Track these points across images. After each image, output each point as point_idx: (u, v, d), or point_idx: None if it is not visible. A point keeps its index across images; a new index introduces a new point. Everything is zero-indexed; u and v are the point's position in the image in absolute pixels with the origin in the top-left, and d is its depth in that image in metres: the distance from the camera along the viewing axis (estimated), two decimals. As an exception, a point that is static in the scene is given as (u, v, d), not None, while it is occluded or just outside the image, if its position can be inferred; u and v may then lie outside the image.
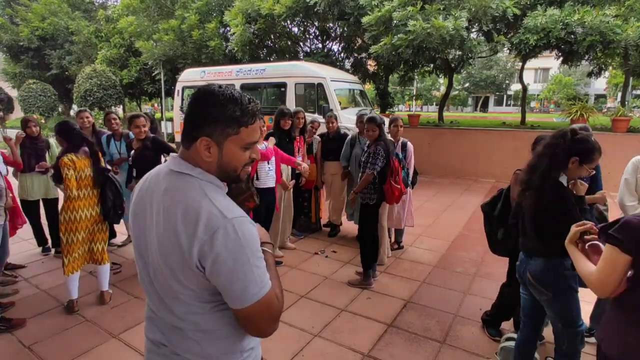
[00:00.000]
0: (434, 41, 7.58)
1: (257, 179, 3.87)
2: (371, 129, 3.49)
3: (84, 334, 2.92)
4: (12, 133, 4.71)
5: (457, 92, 35.18)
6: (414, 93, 29.82)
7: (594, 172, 2.68)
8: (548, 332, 2.69)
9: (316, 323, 3.08)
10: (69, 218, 3.12)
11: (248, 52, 10.95)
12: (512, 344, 2.45)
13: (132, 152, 3.77)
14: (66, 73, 19.01)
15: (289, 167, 4.38)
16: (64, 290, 3.37)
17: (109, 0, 23.81)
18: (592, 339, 2.77)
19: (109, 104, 15.46)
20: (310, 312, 3.27)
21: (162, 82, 14.48)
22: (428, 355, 2.71)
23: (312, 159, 5.02)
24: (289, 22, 11.18)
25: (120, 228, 4.80)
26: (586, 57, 9.17)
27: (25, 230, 4.24)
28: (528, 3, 8.29)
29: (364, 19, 8.49)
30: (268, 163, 3.89)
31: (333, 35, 12.17)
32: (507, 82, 35.36)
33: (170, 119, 13.29)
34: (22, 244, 4.69)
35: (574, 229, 1.53)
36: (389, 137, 3.97)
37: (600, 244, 1.43)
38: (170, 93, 15.47)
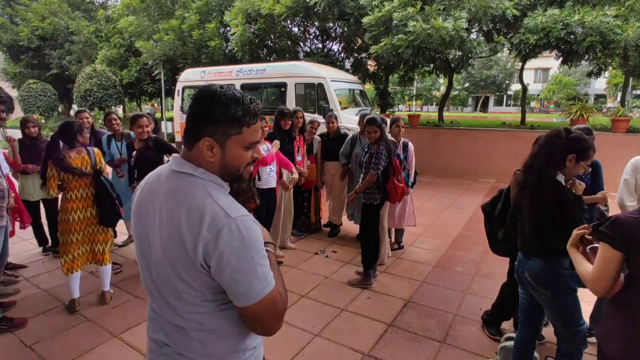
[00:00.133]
0: (434, 42, 7.59)
1: (259, 179, 3.88)
2: (372, 130, 3.50)
3: (85, 334, 2.93)
4: (12, 133, 4.71)
5: (457, 92, 35.17)
6: (414, 93, 29.81)
7: (590, 169, 2.70)
8: (548, 331, 2.71)
9: (316, 323, 3.09)
10: (65, 219, 3.14)
11: (248, 52, 10.96)
12: (512, 343, 2.46)
13: (134, 152, 3.76)
14: (66, 73, 19.02)
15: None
16: (65, 289, 3.39)
17: (109, 0, 23.84)
18: (594, 339, 2.78)
19: (109, 103, 15.47)
20: (311, 311, 3.27)
21: (162, 82, 14.49)
22: (428, 354, 2.72)
23: (312, 159, 5.03)
24: (289, 22, 11.18)
25: (121, 228, 4.79)
26: (586, 57, 9.18)
27: (26, 230, 4.23)
28: (528, 3, 8.30)
29: (364, 19, 8.50)
30: (269, 164, 3.91)
31: (333, 35, 12.17)
32: (507, 82, 35.35)
33: (170, 119, 13.29)
34: (23, 244, 4.70)
35: (575, 232, 1.54)
36: (389, 137, 3.97)
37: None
38: (170, 93, 15.48)
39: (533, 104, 37.18)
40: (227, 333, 1.04)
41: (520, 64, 11.63)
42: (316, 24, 11.49)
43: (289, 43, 12.77)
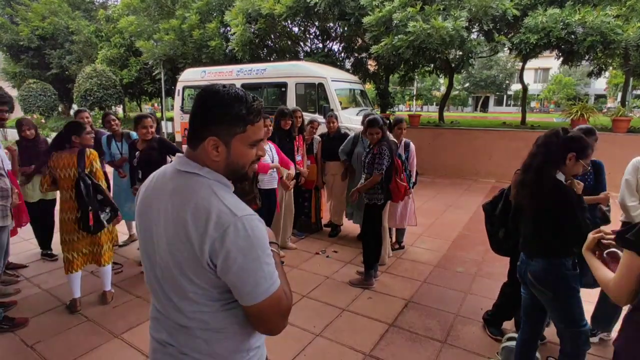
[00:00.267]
0: (434, 42, 7.58)
1: (261, 180, 3.89)
2: (374, 132, 3.50)
3: (86, 334, 2.93)
4: (12, 133, 4.70)
5: (457, 92, 35.20)
6: (414, 93, 29.81)
7: (590, 167, 2.70)
8: (550, 332, 2.71)
9: (317, 323, 3.09)
10: (61, 218, 3.16)
11: (248, 52, 10.95)
12: (513, 343, 2.46)
13: (137, 153, 3.74)
14: (66, 73, 18.98)
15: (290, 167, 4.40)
16: (65, 289, 3.39)
17: (109, 0, 23.82)
18: (595, 339, 2.78)
19: (109, 103, 15.44)
20: (312, 311, 3.27)
21: (162, 81, 14.47)
22: (429, 354, 2.72)
23: (312, 159, 5.03)
24: (289, 22, 11.17)
25: (121, 228, 4.79)
26: (587, 57, 9.18)
27: (26, 230, 4.24)
28: (529, 3, 8.29)
29: (365, 19, 8.50)
30: (272, 162, 3.92)
31: (333, 35, 12.16)
32: (507, 82, 35.38)
33: (171, 119, 13.29)
34: (23, 244, 4.69)
35: (591, 236, 1.48)
36: (390, 137, 3.98)
37: (619, 251, 1.38)
38: (170, 93, 15.46)
39: (533, 104, 37.20)
40: (231, 333, 1.04)
41: (520, 64, 11.64)
42: (316, 23, 11.49)
43: (289, 43, 12.77)
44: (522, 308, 2.30)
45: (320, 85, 8.07)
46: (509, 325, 3.01)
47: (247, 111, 1.00)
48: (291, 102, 8.29)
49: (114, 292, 3.52)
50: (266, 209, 3.92)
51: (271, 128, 4.02)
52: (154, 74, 14.85)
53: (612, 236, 1.43)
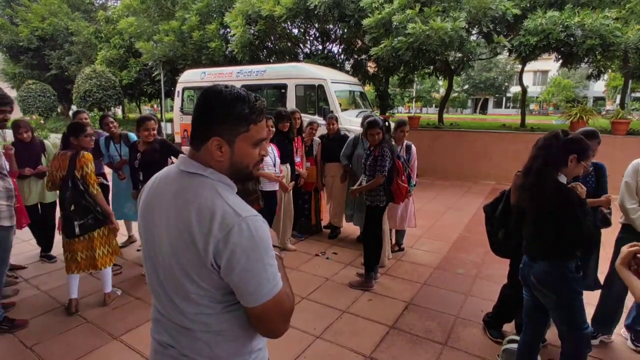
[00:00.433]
0: (434, 43, 7.59)
1: (262, 181, 3.89)
2: (375, 132, 3.50)
3: (86, 335, 2.92)
4: (10, 134, 4.67)
5: (456, 94, 35.29)
6: (414, 95, 29.87)
7: (591, 168, 2.71)
8: (550, 334, 2.71)
9: (318, 325, 3.08)
10: (59, 219, 3.14)
11: (248, 53, 10.96)
12: (514, 346, 2.45)
13: (138, 155, 3.71)
14: (66, 73, 18.98)
15: (288, 169, 4.40)
16: (64, 291, 3.37)
17: (109, 1, 23.83)
18: (596, 341, 2.78)
19: (109, 104, 15.43)
20: (312, 313, 3.26)
21: (162, 83, 14.48)
22: (430, 357, 2.71)
23: (312, 160, 5.03)
24: (289, 23, 11.18)
25: (121, 229, 4.78)
26: (586, 59, 9.20)
27: (25, 232, 4.22)
28: (528, 5, 8.31)
29: (364, 21, 8.51)
30: (274, 166, 3.92)
31: (333, 37, 12.17)
32: (506, 84, 35.49)
33: (170, 120, 13.28)
34: (22, 245, 4.68)
35: (625, 250, 1.41)
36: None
37: None
38: (169, 94, 15.46)
39: (532, 106, 37.29)
40: (233, 335, 1.03)
41: (519, 66, 11.66)
42: (316, 25, 11.50)
43: (289, 44, 12.78)
44: (524, 310, 2.30)
45: (320, 86, 8.07)
46: (509, 327, 3.00)
47: (250, 110, 1.00)
48: (291, 104, 8.29)
49: (119, 293, 3.52)
50: (267, 211, 3.92)
51: (273, 129, 4.02)
52: (153, 75, 14.85)
53: None
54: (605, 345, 2.82)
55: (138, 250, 4.65)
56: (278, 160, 4.03)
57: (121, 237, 4.85)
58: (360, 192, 3.69)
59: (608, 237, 2.62)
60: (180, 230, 0.96)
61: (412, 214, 4.55)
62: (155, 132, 3.69)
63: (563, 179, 1.99)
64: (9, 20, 19.52)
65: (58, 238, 3.70)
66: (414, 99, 32.42)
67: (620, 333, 2.91)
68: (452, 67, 11.13)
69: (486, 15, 7.82)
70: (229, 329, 1.02)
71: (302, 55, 12.53)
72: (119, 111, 21.56)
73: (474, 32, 9.09)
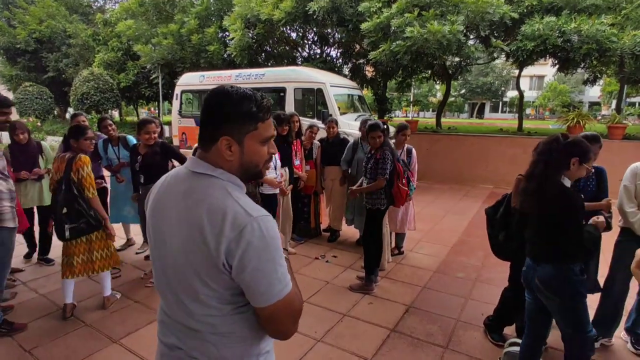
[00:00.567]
0: (432, 46, 7.64)
1: (262, 185, 3.89)
2: (376, 135, 3.51)
3: (85, 339, 2.89)
4: (6, 136, 4.64)
5: (453, 99, 35.47)
6: (411, 99, 30.00)
7: (593, 170, 2.73)
8: (552, 337, 2.71)
9: (318, 328, 3.07)
10: None
11: (247, 56, 11.00)
12: (516, 349, 2.46)
13: (139, 157, 3.70)
14: (63, 76, 18.90)
15: (287, 172, 4.40)
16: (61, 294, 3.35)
17: (107, 3, 23.84)
18: (597, 344, 2.79)
19: (106, 107, 15.38)
20: (312, 317, 3.25)
21: (160, 86, 14.47)
22: (432, 360, 2.71)
23: (311, 164, 5.03)
24: (287, 27, 11.24)
25: (119, 232, 4.76)
26: (582, 64, 9.29)
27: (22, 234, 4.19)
28: (525, 11, 8.39)
29: (363, 26, 8.56)
30: (275, 169, 3.93)
31: (332, 41, 12.24)
32: (502, 89, 35.72)
33: (168, 123, 13.27)
34: (20, 248, 4.62)
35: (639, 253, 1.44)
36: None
37: None
38: (167, 97, 15.45)
39: (528, 110, 37.50)
40: (241, 337, 1.03)
41: (516, 71, 11.74)
42: (315, 29, 11.56)
43: (287, 48, 12.82)
44: (526, 312, 2.31)
45: (319, 90, 8.10)
46: (509, 330, 3.01)
47: (257, 108, 1.01)
48: (290, 107, 8.31)
49: (118, 297, 3.49)
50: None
51: (275, 132, 4.03)
52: (151, 78, 14.84)
53: None
54: (606, 348, 2.82)
55: (137, 253, 4.63)
56: (279, 163, 4.03)
57: (119, 241, 4.83)
58: (360, 194, 3.69)
59: (607, 240, 2.63)
60: (191, 230, 0.96)
61: (412, 217, 4.56)
62: (157, 135, 3.68)
63: (567, 182, 2.00)
64: (7, 22, 19.47)
65: (57, 242, 3.67)
66: (411, 103, 32.59)
67: (620, 336, 2.92)
68: (450, 72, 11.20)
69: (484, 19, 7.89)
70: (237, 331, 1.02)
71: (300, 59, 12.58)
72: (116, 114, 21.51)
73: (471, 36, 9.17)
